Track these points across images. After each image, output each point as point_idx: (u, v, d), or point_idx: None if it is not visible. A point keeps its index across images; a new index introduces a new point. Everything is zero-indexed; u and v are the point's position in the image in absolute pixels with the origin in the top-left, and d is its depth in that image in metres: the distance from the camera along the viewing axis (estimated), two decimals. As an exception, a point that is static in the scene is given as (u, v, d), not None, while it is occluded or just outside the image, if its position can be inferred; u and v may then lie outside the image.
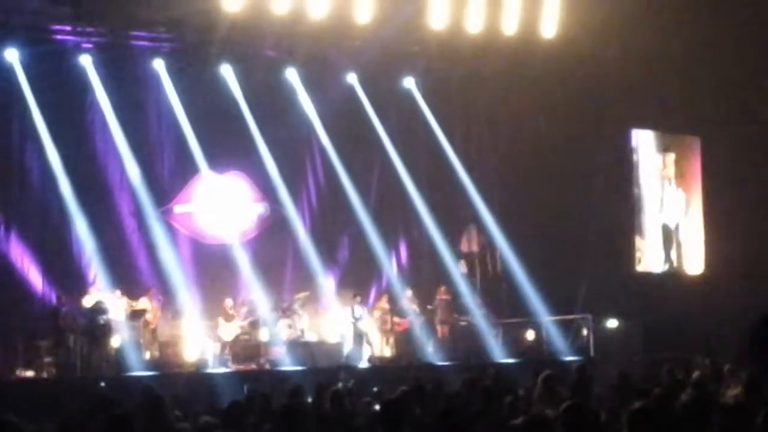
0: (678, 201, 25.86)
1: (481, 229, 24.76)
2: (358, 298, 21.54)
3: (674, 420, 7.61)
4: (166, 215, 22.29)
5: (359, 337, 21.01)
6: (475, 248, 24.89)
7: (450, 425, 6.94)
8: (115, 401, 11.22)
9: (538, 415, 6.71)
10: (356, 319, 21.05)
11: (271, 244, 23.18)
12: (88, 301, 19.41)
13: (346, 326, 21.26)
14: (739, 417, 6.06)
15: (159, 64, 21.98)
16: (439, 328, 22.31)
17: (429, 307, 22.46)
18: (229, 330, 20.37)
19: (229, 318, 20.46)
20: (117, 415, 7.22)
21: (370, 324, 21.54)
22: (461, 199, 24.74)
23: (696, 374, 10.35)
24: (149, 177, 21.81)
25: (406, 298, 22.33)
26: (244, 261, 22.03)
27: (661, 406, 6.68)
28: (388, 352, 21.72)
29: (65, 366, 18.28)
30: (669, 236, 25.53)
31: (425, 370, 18.66)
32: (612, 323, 22.63)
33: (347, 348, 20.92)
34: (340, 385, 14.02)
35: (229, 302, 20.75)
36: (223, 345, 20.22)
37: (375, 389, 13.26)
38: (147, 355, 19.41)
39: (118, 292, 20.06)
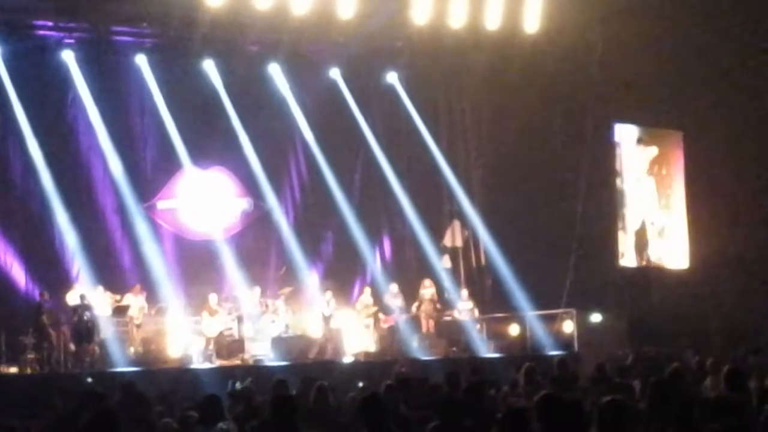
0: (661, 195, 25.89)
1: (465, 223, 24.82)
2: (329, 293, 21.44)
3: (647, 413, 7.65)
4: (149, 211, 22.26)
5: (333, 332, 20.97)
6: (458, 243, 24.94)
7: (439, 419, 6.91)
8: (104, 395, 11.20)
9: (516, 408, 6.69)
10: (327, 315, 20.98)
11: (255, 239, 23.21)
12: (71, 297, 19.37)
13: (318, 321, 21.21)
14: (719, 411, 6.09)
15: (141, 60, 21.95)
16: (424, 322, 22.31)
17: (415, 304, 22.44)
18: (213, 325, 20.34)
19: (213, 313, 20.43)
20: (104, 408, 7.21)
21: (350, 318, 21.51)
22: (444, 194, 24.81)
23: (674, 366, 10.34)
24: (132, 173, 21.79)
25: (391, 293, 22.28)
26: (227, 256, 22.02)
27: (631, 400, 6.69)
28: (372, 347, 21.69)
29: (49, 362, 18.25)
30: (652, 231, 25.56)
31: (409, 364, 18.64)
32: (596, 317, 22.66)
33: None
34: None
35: (213, 297, 20.69)
36: (207, 340, 20.20)
37: (360, 384, 13.29)
38: (131, 351, 19.37)
39: (101, 288, 20.03)
